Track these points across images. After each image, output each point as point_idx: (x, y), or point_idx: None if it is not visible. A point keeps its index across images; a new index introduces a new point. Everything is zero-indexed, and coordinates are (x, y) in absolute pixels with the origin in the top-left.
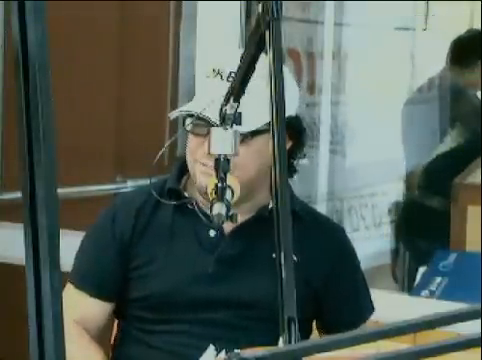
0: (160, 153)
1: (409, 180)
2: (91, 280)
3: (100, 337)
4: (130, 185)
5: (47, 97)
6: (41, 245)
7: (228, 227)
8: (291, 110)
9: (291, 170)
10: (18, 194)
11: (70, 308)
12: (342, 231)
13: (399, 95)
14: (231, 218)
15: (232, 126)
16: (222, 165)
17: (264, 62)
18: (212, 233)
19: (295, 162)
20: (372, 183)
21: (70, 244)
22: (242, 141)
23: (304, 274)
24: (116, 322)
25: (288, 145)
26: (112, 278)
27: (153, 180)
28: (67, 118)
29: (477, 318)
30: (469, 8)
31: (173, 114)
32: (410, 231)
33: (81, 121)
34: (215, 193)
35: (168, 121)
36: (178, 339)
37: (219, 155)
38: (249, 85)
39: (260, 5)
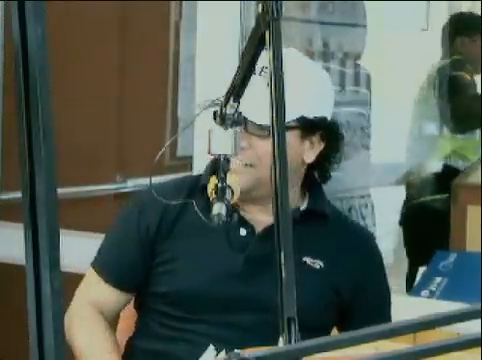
0: (160, 153)
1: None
2: (111, 269)
3: (112, 323)
4: (130, 185)
5: (47, 97)
6: (41, 245)
7: (259, 227)
8: (327, 112)
9: (325, 176)
10: (18, 194)
11: (86, 290)
12: (372, 238)
13: (399, 95)
14: (231, 218)
15: (232, 126)
16: (222, 165)
17: (292, 56)
18: (243, 232)
19: (329, 167)
20: (372, 183)
21: (70, 244)
22: (268, 136)
23: (332, 281)
24: (124, 313)
25: (321, 147)
26: (133, 271)
27: (187, 175)
28: (67, 118)
29: (477, 318)
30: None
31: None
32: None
33: (81, 121)
34: (215, 193)
35: (168, 121)
36: (197, 339)
37: (219, 155)
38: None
39: (260, 5)
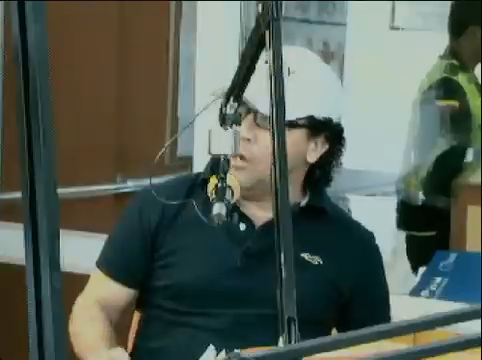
0: (161, 153)
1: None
2: (114, 264)
3: (119, 321)
4: (130, 185)
5: (47, 97)
6: (41, 245)
7: (259, 222)
8: (335, 113)
9: (327, 178)
10: (18, 194)
11: (92, 288)
12: (372, 237)
13: (399, 95)
14: (231, 218)
15: (232, 126)
16: (222, 165)
17: (305, 55)
18: (242, 227)
19: (329, 169)
20: (372, 183)
21: (70, 244)
22: None
23: (331, 277)
24: (138, 316)
25: (324, 149)
26: (136, 265)
27: (189, 173)
28: (67, 118)
29: (477, 318)
30: None
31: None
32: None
33: (81, 121)
34: (215, 193)
35: (168, 121)
36: (198, 334)
37: (219, 155)
38: (297, 75)
39: (260, 5)
